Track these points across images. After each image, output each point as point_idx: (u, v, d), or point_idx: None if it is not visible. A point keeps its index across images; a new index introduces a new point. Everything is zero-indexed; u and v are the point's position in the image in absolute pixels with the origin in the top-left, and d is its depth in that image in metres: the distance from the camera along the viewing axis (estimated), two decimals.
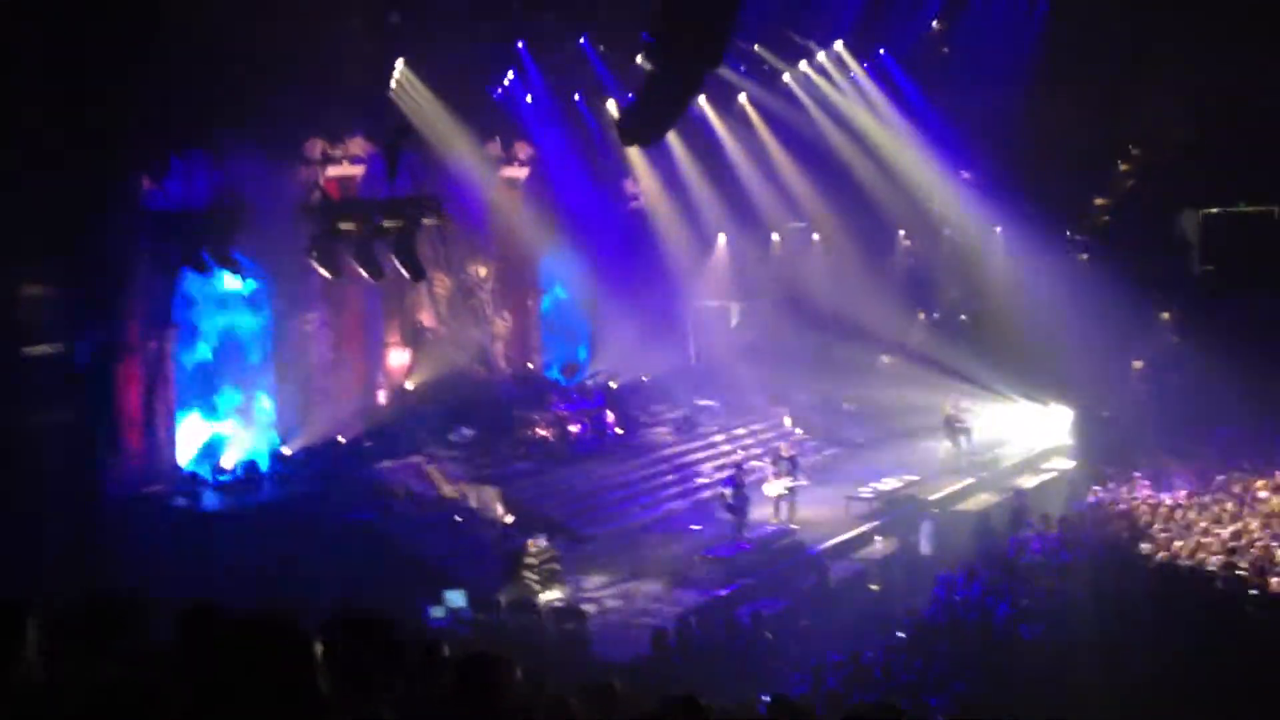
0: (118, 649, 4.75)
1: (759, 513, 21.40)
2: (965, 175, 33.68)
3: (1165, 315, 32.82)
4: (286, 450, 22.33)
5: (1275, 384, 24.85)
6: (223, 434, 22.42)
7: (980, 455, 26.41)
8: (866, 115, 29.70)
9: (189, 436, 21.59)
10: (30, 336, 17.58)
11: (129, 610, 4.88)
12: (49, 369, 17.62)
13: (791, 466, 22.29)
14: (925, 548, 20.51)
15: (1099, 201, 33.86)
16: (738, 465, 22.07)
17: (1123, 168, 33.79)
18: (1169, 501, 20.47)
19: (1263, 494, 20.34)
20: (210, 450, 21.78)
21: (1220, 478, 21.68)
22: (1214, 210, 32.72)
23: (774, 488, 21.95)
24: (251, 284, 22.70)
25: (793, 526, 21.36)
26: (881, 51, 29.14)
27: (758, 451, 26.08)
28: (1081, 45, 29.23)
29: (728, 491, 20.73)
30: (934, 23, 29.27)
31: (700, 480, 24.15)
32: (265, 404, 23.34)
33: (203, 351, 22.40)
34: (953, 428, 26.25)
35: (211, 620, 4.70)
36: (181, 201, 19.56)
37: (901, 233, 35.12)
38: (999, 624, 14.95)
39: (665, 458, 25.01)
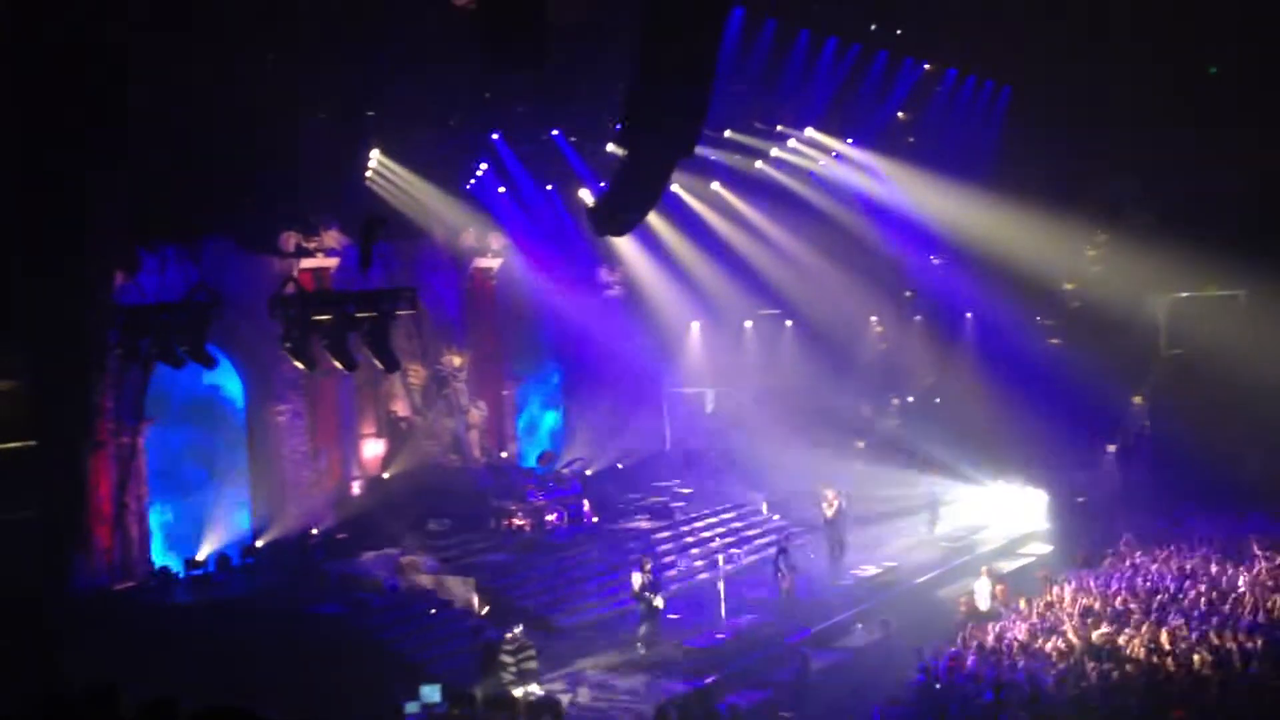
0: None
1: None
2: (936, 260, 34.11)
3: (1137, 399, 33.05)
4: (259, 543, 22.09)
5: (1241, 468, 25.02)
6: (195, 528, 22.14)
7: (958, 540, 26.32)
8: (841, 193, 30.13)
9: (160, 531, 21.31)
10: None
11: (94, 706, 4.78)
12: (17, 464, 17.35)
13: (785, 557, 22.06)
14: (983, 605, 20.24)
15: (1068, 286, 34.28)
16: (717, 551, 21.90)
17: (1090, 253, 34.28)
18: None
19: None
20: (182, 544, 21.49)
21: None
22: (1182, 294, 33.18)
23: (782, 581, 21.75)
24: (225, 376, 22.59)
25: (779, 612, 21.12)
26: (849, 140, 29.62)
27: (733, 539, 25.97)
28: (1042, 134, 29.85)
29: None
30: (899, 113, 29.79)
31: (677, 569, 23.91)
32: (238, 497, 23.11)
33: (176, 445, 22.19)
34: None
35: (170, 713, 4.61)
36: (155, 295, 19.53)
37: (874, 318, 35.43)
38: (982, 711, 14.73)
39: (642, 546, 24.78)
